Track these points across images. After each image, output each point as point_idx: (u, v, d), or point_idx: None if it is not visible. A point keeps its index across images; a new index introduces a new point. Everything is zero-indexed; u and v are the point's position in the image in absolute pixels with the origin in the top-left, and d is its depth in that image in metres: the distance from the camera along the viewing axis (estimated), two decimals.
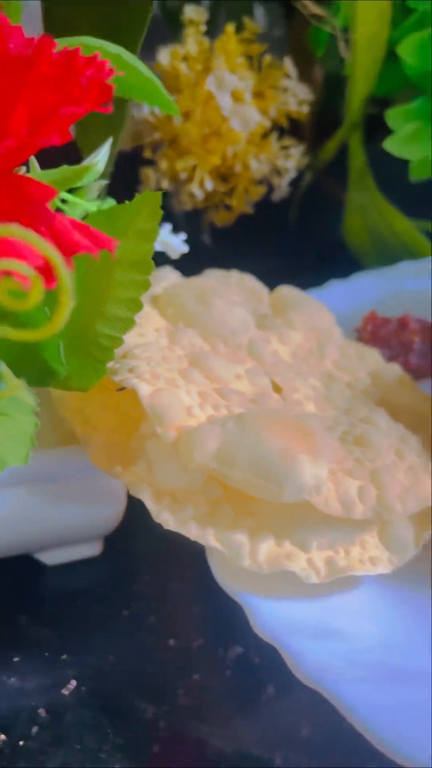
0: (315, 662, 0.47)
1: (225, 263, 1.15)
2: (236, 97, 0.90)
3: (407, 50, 0.92)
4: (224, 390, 0.56)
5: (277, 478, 0.49)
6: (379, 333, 0.89)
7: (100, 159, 0.58)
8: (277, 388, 0.62)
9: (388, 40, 0.96)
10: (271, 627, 0.49)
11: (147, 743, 0.51)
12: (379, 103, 1.04)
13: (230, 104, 0.88)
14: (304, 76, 1.09)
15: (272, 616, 0.50)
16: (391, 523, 0.58)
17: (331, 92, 1.10)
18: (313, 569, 0.52)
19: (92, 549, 0.64)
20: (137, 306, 0.51)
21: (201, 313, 0.63)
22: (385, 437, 0.59)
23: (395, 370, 0.76)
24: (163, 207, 0.52)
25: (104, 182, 0.62)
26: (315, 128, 1.13)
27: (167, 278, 0.73)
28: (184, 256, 0.88)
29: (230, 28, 0.91)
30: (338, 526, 0.54)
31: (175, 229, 0.72)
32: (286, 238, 1.14)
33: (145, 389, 0.51)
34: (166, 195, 0.99)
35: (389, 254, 1.07)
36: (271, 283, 0.99)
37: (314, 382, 0.68)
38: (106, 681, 0.55)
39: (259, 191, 1.00)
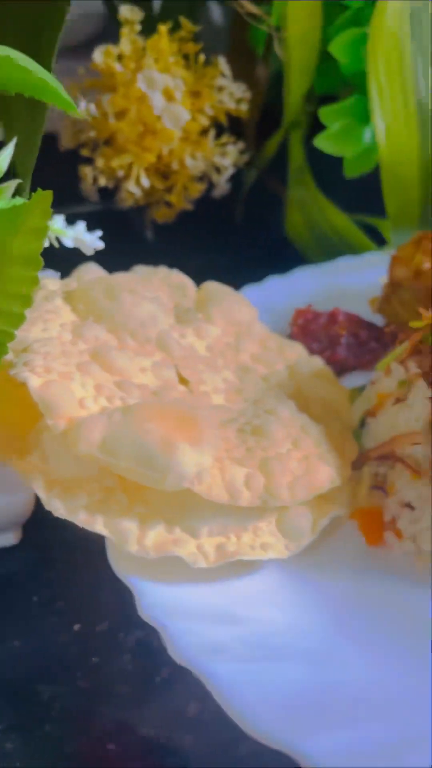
0: (192, 643, 0.49)
1: (172, 259, 1.17)
2: (169, 96, 0.91)
3: (339, 48, 0.94)
4: (124, 383, 0.58)
5: (157, 466, 0.51)
6: (309, 327, 0.90)
7: (2, 158, 0.60)
8: (183, 381, 0.64)
9: (325, 39, 0.98)
10: (153, 609, 0.51)
11: (41, 723, 0.53)
12: (324, 101, 1.05)
13: (162, 103, 0.90)
14: (247, 74, 1.11)
15: (157, 599, 0.52)
16: (288, 510, 0.60)
17: (274, 91, 1.12)
18: (201, 554, 0.54)
19: (8, 539, 0.66)
20: (28, 302, 0.52)
21: (109, 307, 0.64)
22: (283, 427, 0.61)
23: (314, 363, 0.78)
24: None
25: (17, 181, 0.64)
26: (260, 126, 1.15)
27: (89, 274, 0.74)
28: (133, 252, 0.90)
29: (163, 27, 0.92)
30: (231, 513, 0.56)
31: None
32: (233, 235, 1.16)
33: (34, 381, 0.53)
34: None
35: (330, 249, 1.09)
36: (216, 278, 1.01)
37: (228, 374, 0.70)
38: (8, 664, 0.57)
39: (198, 188, 1.02)
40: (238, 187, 1.12)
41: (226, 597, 0.56)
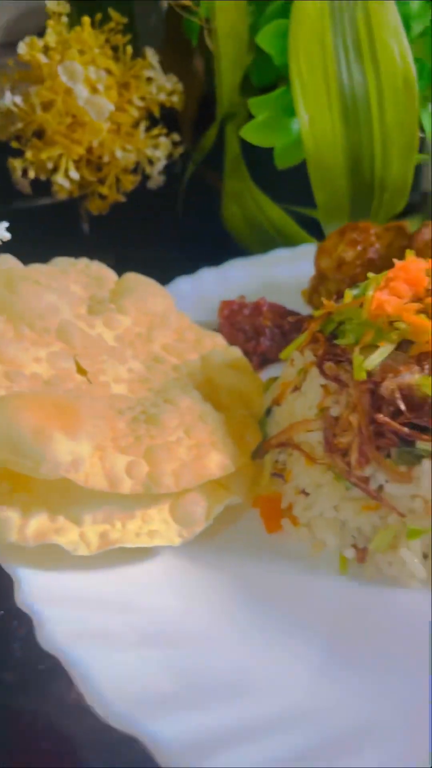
0: (63, 630, 0.49)
1: (110, 251, 1.17)
2: (92, 88, 0.91)
3: (266, 40, 0.94)
4: (12, 372, 0.58)
5: (31, 455, 0.51)
6: (235, 318, 0.91)
7: None
8: (82, 371, 0.65)
9: (257, 30, 0.98)
10: (29, 596, 0.51)
11: None
12: (265, 93, 1.05)
13: (85, 94, 0.90)
14: (184, 66, 1.11)
15: (35, 587, 0.52)
16: (182, 497, 0.60)
17: (212, 83, 1.12)
18: (84, 542, 0.54)
19: None
20: None
21: (9, 298, 0.65)
22: (178, 416, 0.61)
23: (230, 353, 0.78)
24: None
25: None
26: (200, 118, 1.15)
27: (3, 265, 0.74)
28: (71, 245, 0.90)
29: (86, 19, 0.92)
30: (118, 501, 0.57)
31: None
32: (172, 227, 1.16)
33: None
34: None
35: (268, 241, 1.09)
36: (153, 269, 1.02)
37: (135, 364, 0.70)
38: None
39: (132, 180, 1.02)
40: (177, 180, 1.12)
41: (115, 584, 0.57)
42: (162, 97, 0.99)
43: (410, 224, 0.91)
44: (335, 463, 0.60)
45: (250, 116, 0.98)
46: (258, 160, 1.05)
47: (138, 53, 0.99)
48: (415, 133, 0.91)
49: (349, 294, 0.67)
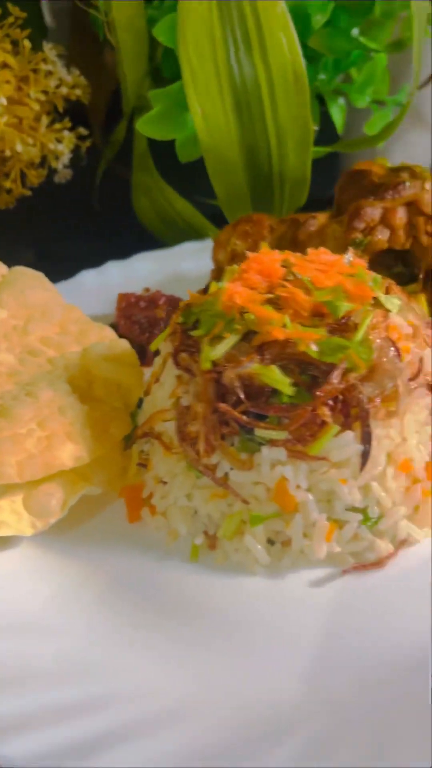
0: None
1: (20, 246, 1.16)
2: None
3: (163, 33, 0.94)
4: None
5: None
6: (131, 310, 0.91)
7: None
8: None
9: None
10: None
11: None
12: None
13: None
14: (93, 60, 1.11)
15: None
16: (36, 488, 0.61)
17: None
18: None
19: None
20: None
21: None
22: (33, 409, 0.62)
23: (116, 346, 0.79)
24: None
25: None
26: (113, 112, 1.15)
27: None
28: None
29: None
30: None
31: None
32: (90, 221, 1.17)
33: None
34: None
35: (179, 233, 1.10)
36: (65, 261, 1.02)
37: (7, 357, 0.71)
38: None
39: (38, 174, 1.02)
40: (91, 173, 1.12)
41: None
42: (64, 90, 0.99)
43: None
44: (186, 452, 0.61)
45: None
46: (165, 153, 1.05)
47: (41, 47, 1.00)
48: (309, 127, 0.92)
49: (215, 285, 0.68)
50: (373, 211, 0.79)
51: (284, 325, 0.59)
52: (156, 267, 1.04)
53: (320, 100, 1.03)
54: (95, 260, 1.06)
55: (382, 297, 0.63)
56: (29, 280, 0.79)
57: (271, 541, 0.60)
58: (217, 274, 0.94)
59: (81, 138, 1.05)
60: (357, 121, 1.06)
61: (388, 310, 0.62)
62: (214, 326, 0.62)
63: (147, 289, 1.00)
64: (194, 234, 1.09)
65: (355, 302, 0.61)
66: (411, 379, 0.59)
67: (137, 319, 0.90)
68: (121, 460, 0.68)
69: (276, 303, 0.61)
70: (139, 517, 0.65)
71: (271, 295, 0.62)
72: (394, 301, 0.63)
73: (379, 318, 0.60)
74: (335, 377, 0.56)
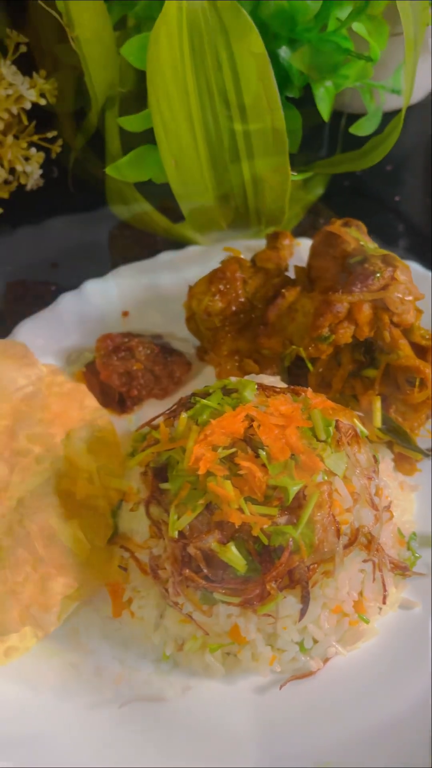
0: None
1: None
2: None
3: (131, 53, 0.86)
4: None
5: None
6: (109, 360, 0.96)
7: None
8: None
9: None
10: None
11: None
12: None
13: None
14: (54, 57, 1.00)
15: None
16: (32, 605, 0.74)
17: None
18: None
19: None
20: None
21: None
22: (27, 547, 0.73)
23: (96, 426, 0.86)
24: None
25: None
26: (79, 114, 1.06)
27: None
28: None
29: None
30: None
31: None
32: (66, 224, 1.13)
33: None
34: None
35: (158, 229, 1.08)
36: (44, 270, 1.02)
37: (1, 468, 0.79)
38: None
39: (6, 189, 0.99)
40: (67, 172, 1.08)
41: None
42: (28, 105, 0.93)
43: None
44: (158, 587, 0.73)
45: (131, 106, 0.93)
46: None
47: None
48: (286, 176, 0.89)
49: (184, 419, 0.74)
50: (340, 308, 0.82)
51: (240, 508, 0.67)
52: (134, 283, 1.05)
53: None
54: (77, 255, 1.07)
55: (330, 460, 0.70)
56: (5, 361, 0.84)
57: (228, 653, 0.74)
58: (190, 315, 0.96)
59: (50, 140, 1.00)
60: None
61: (333, 474, 0.70)
62: (182, 487, 0.70)
63: (126, 313, 1.03)
64: (171, 239, 1.08)
65: (305, 472, 0.69)
66: (348, 546, 0.70)
67: (116, 369, 0.95)
68: (105, 556, 0.81)
69: (236, 467, 0.69)
70: (121, 614, 0.79)
71: (233, 450, 0.69)
72: (340, 464, 0.70)
73: (324, 495, 0.68)
74: (282, 561, 0.67)
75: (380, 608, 0.76)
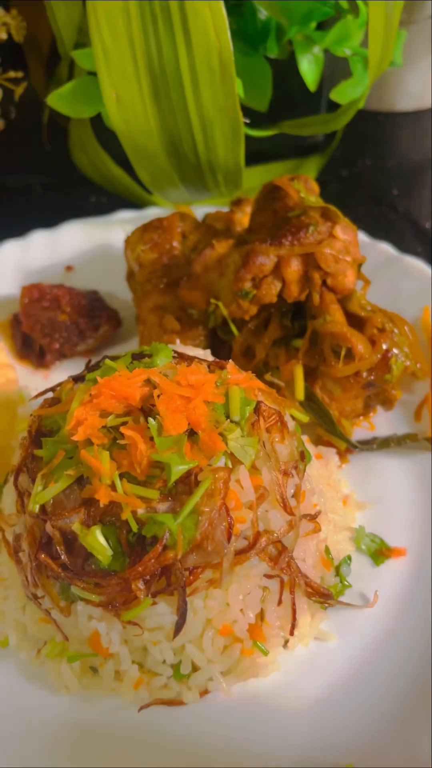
0: None
1: None
2: None
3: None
4: None
5: None
6: (33, 309, 0.85)
7: None
8: None
9: None
10: None
11: None
12: None
13: None
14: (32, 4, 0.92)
15: None
16: None
17: None
18: None
19: None
20: None
21: None
22: None
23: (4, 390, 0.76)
24: None
25: None
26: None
27: None
28: None
29: None
30: None
31: None
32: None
33: None
34: None
35: (120, 188, 0.98)
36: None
37: None
38: None
39: None
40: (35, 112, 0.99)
41: None
42: None
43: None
44: (19, 575, 0.61)
45: None
46: None
47: None
48: (237, 117, 0.78)
49: (69, 384, 0.63)
50: (264, 260, 0.70)
51: (112, 484, 0.55)
52: (84, 238, 0.95)
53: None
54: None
55: (236, 443, 0.57)
56: None
57: (92, 666, 0.61)
58: (130, 278, 0.86)
59: (14, 81, 0.92)
60: None
61: (239, 462, 0.57)
62: (56, 455, 0.58)
63: (69, 267, 0.94)
64: (132, 198, 0.98)
65: (202, 453, 0.56)
66: (244, 551, 0.56)
67: (39, 319, 0.85)
68: None
69: (121, 438, 0.57)
70: None
71: (125, 419, 0.57)
72: (248, 451, 0.57)
73: (219, 483, 0.55)
74: (151, 556, 0.54)
75: (286, 639, 0.61)
